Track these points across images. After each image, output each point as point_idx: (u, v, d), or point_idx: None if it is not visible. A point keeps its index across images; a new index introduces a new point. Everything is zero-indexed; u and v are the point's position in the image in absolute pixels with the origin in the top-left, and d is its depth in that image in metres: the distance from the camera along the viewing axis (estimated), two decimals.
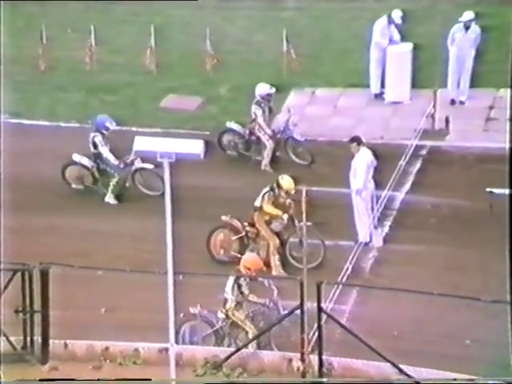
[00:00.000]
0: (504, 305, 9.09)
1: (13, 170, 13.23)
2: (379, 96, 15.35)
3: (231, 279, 10.47)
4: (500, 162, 13.36)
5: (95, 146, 13.45)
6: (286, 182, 12.00)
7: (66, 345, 9.80)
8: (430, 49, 14.78)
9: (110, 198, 13.44)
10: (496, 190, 12.44)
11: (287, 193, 11.96)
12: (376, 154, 12.74)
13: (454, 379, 8.93)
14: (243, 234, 12.07)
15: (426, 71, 14.85)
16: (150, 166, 13.29)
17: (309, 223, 11.38)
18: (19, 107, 15.06)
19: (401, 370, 9.25)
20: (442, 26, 14.42)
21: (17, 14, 16.11)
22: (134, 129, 14.54)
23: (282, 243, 12.03)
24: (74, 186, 13.59)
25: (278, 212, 11.95)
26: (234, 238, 12.07)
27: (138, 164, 13.46)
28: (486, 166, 13.63)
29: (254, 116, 14.06)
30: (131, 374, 9.48)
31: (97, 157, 13.48)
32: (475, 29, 14.93)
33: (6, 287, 9.43)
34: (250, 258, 10.81)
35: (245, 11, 16.48)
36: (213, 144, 14.27)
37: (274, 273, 11.82)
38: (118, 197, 13.47)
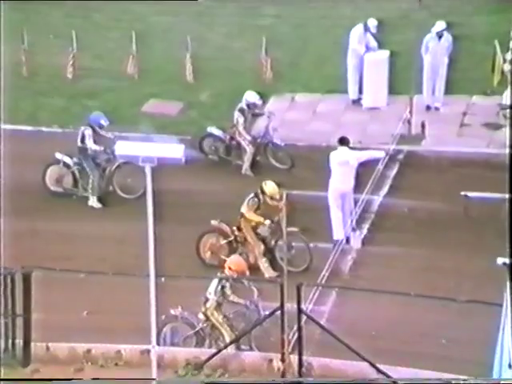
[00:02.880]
0: (478, 304, 9.31)
1: None
2: (357, 102, 15.49)
3: (216, 280, 10.59)
4: (474, 167, 13.69)
5: (83, 139, 13.44)
6: (270, 187, 12.10)
7: (47, 347, 9.83)
8: (406, 56, 14.94)
9: (93, 202, 13.50)
10: (470, 194, 12.70)
11: (272, 198, 12.06)
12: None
13: (439, 378, 9.08)
14: (232, 238, 12.16)
15: (402, 78, 15.01)
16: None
17: (295, 228, 11.64)
18: (1, 112, 15.10)
19: (378, 370, 9.43)
20: (417, 34, 14.64)
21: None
22: (116, 133, 14.63)
23: (267, 247, 12.11)
24: (52, 188, 13.63)
25: (260, 219, 12.03)
26: (223, 242, 12.15)
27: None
28: (461, 170, 13.82)
29: (236, 122, 14.19)
30: (113, 376, 9.57)
31: (81, 151, 13.45)
32: (447, 37, 15.11)
33: None
34: (234, 260, 10.97)
35: (225, 18, 16.59)
36: (194, 148, 14.41)
37: (266, 275, 11.92)
38: (100, 200, 13.56)
